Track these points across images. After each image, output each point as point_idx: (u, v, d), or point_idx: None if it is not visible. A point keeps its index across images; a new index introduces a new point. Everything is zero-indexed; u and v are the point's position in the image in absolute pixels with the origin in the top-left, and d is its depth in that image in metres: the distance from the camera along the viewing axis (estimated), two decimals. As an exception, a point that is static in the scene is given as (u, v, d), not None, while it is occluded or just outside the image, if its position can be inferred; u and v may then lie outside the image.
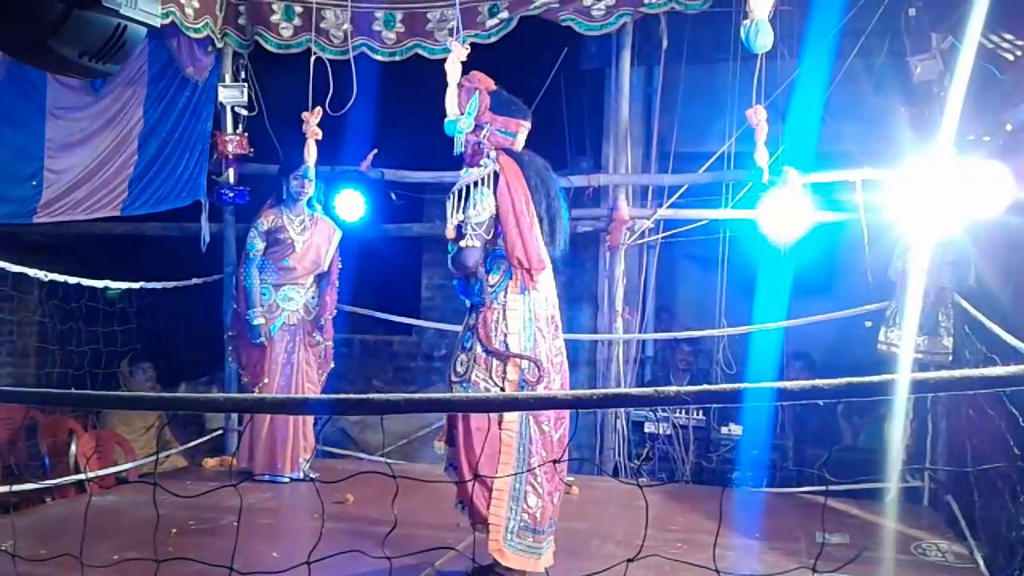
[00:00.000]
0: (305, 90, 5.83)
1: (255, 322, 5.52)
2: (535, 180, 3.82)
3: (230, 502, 2.02)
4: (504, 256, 3.71)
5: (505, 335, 3.65)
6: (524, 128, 3.90)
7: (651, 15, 5.77)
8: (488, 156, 3.80)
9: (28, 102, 5.80)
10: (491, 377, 3.63)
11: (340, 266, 5.88)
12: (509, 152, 3.81)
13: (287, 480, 5.53)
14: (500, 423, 3.61)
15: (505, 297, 3.69)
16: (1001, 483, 4.09)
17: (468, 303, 3.83)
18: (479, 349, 3.67)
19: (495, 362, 3.64)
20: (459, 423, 3.66)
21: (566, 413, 3.81)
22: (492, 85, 3.89)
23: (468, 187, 3.71)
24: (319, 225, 5.75)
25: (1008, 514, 3.94)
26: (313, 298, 5.75)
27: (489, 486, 3.56)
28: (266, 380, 5.56)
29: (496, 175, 3.71)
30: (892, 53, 5.58)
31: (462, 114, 3.85)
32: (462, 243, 3.69)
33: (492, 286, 3.71)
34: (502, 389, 3.61)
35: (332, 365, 5.91)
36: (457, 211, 3.72)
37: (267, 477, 5.51)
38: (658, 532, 4.36)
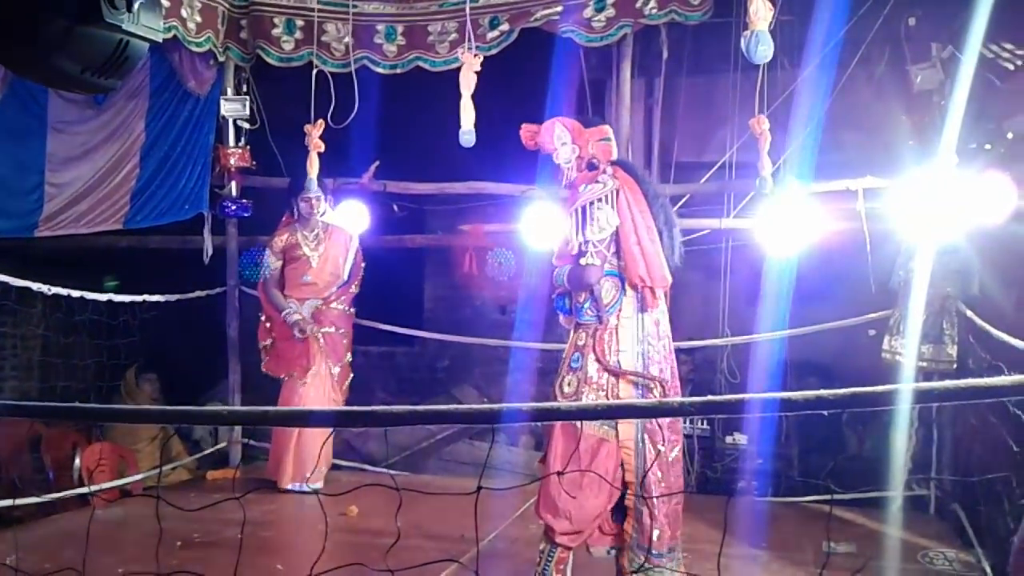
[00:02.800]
0: (307, 103, 5.85)
1: (294, 318, 5.62)
2: (652, 191, 3.78)
3: (234, 515, 2.02)
4: (618, 275, 3.65)
5: (619, 353, 3.58)
6: (611, 130, 3.91)
7: (651, 26, 5.78)
8: (604, 171, 3.74)
9: (30, 116, 5.81)
10: (607, 397, 3.55)
11: (363, 264, 5.99)
12: (623, 165, 3.81)
13: (310, 491, 5.48)
14: (618, 441, 3.55)
15: (619, 316, 3.62)
16: (1002, 488, 4.08)
17: (567, 320, 3.77)
18: (591, 369, 3.59)
19: (608, 381, 3.58)
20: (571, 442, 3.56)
21: (680, 432, 3.74)
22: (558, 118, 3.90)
23: (587, 205, 3.65)
24: (333, 236, 5.83)
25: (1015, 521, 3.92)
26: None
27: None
28: (303, 374, 5.65)
29: (617, 192, 3.66)
30: (892, 62, 5.59)
31: (554, 149, 3.81)
32: (583, 261, 3.65)
33: (607, 304, 3.64)
34: None
35: (352, 375, 5.97)
36: (580, 230, 3.66)
37: (296, 487, 5.52)
38: (663, 543, 4.34)
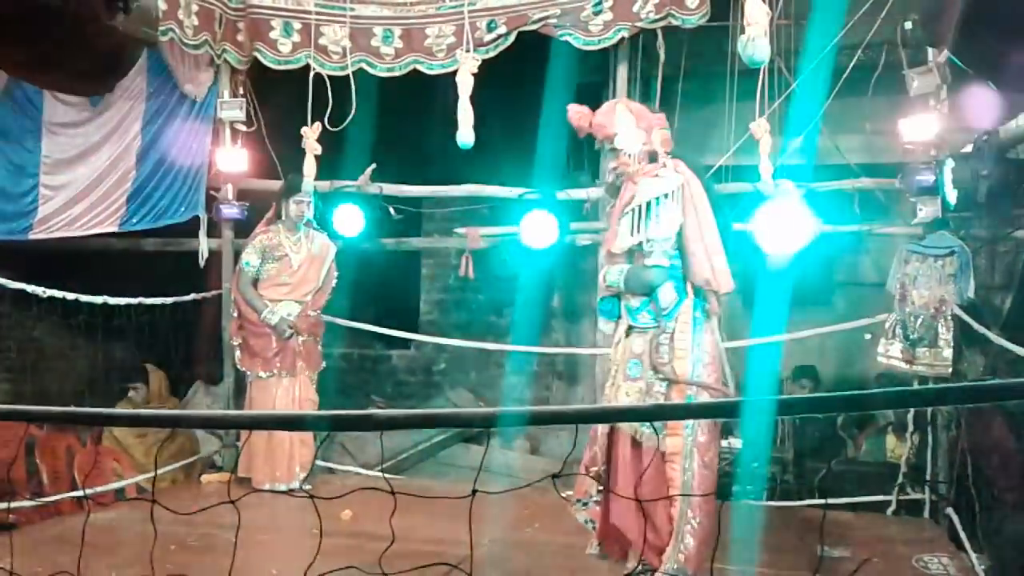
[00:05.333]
0: (304, 106, 5.85)
1: (274, 320, 5.64)
2: (713, 189, 3.59)
3: (229, 518, 2.01)
4: (680, 276, 3.47)
5: (677, 360, 3.41)
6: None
7: (648, 30, 5.79)
8: (665, 164, 3.52)
9: (25, 119, 5.80)
10: None
11: (336, 275, 5.98)
12: (683, 159, 3.57)
13: (285, 489, 5.56)
14: (664, 456, 3.40)
15: (676, 320, 3.44)
16: (997, 492, 4.09)
17: (609, 324, 3.63)
18: (650, 377, 3.44)
19: (665, 389, 3.42)
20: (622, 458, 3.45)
21: (716, 450, 3.59)
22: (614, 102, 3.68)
23: (652, 201, 3.43)
24: (315, 241, 5.86)
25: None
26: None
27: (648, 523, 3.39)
28: (275, 371, 5.69)
29: (682, 187, 3.44)
30: (889, 66, 5.60)
31: (613, 134, 3.55)
32: (649, 261, 3.44)
33: (664, 308, 3.45)
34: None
35: (323, 364, 6.01)
36: (642, 227, 3.44)
37: (267, 487, 5.54)
38: (659, 547, 4.34)
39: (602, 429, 3.55)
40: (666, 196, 3.40)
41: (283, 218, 5.80)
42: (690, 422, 3.35)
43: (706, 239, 3.43)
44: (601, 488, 3.62)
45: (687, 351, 3.40)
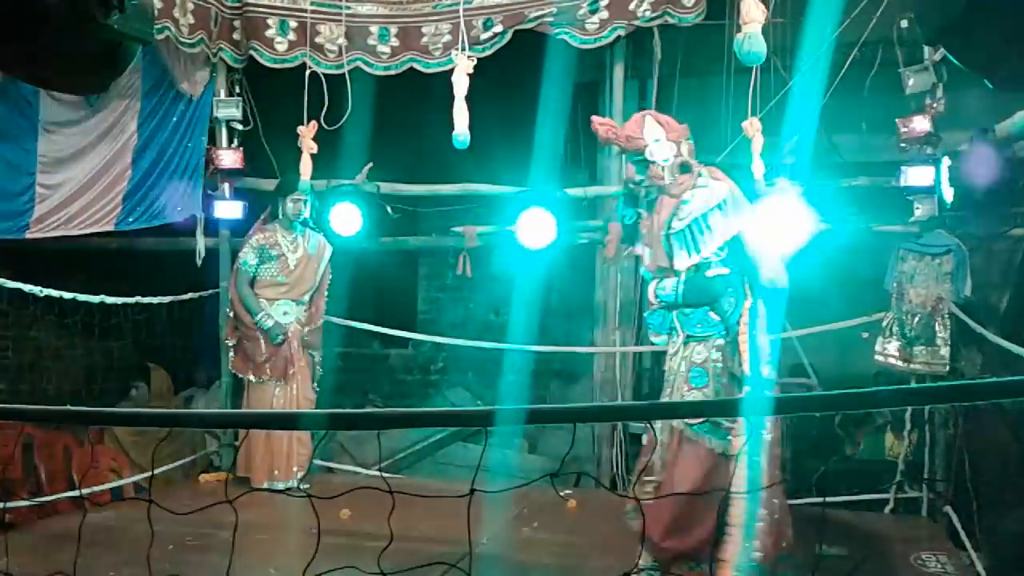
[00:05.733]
0: (300, 104, 5.83)
1: (268, 325, 5.62)
2: (749, 196, 3.59)
3: (226, 518, 2.01)
4: (739, 281, 3.45)
5: (742, 365, 3.37)
6: None
7: (644, 28, 5.79)
8: (700, 174, 3.51)
9: (21, 118, 5.79)
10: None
11: (330, 278, 5.98)
12: (713, 165, 3.58)
13: (283, 488, 5.55)
14: (729, 458, 3.37)
15: (738, 324, 3.42)
16: (996, 490, 4.09)
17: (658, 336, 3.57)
18: (715, 385, 3.39)
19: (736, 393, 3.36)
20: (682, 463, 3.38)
21: (779, 448, 3.55)
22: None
23: (700, 218, 3.39)
24: (311, 241, 5.86)
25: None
26: (307, 312, 5.87)
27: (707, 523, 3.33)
28: (264, 378, 5.66)
29: (731, 194, 3.43)
30: (885, 64, 5.61)
31: (643, 145, 3.51)
32: (711, 272, 3.42)
33: (728, 314, 3.43)
34: (732, 425, 3.32)
35: (320, 371, 6.01)
36: (695, 245, 3.41)
37: (265, 485, 5.53)
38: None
39: (660, 438, 3.50)
40: (718, 207, 3.39)
41: (279, 217, 5.80)
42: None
43: (763, 240, 3.45)
44: (654, 497, 3.51)
45: (748, 352, 3.39)
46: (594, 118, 3.65)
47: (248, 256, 5.73)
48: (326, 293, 5.99)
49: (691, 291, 3.45)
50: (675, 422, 3.41)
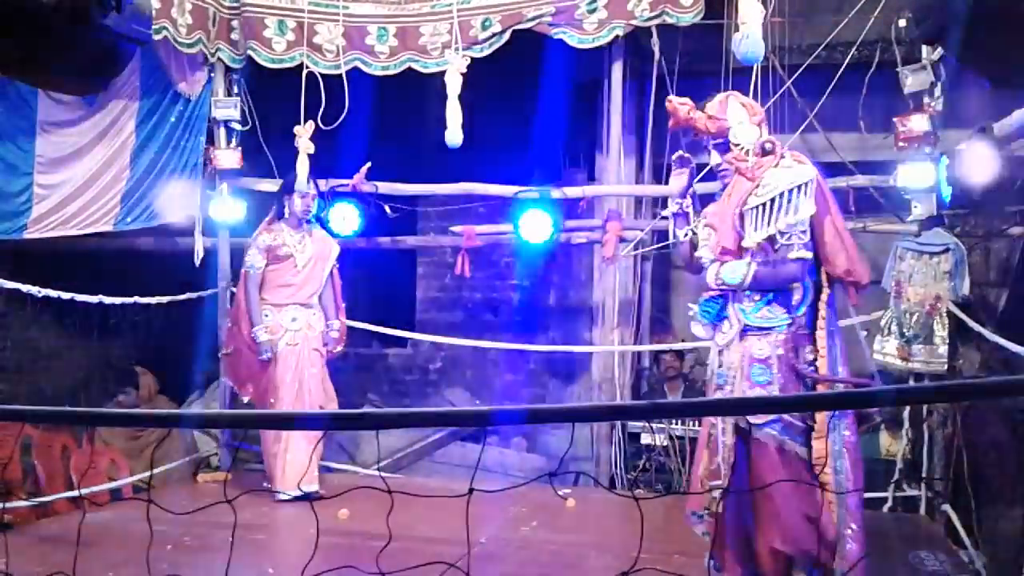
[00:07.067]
0: (298, 104, 5.83)
1: (262, 338, 5.41)
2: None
3: (225, 518, 2.01)
4: (812, 269, 3.30)
5: (814, 358, 3.23)
6: None
7: (643, 28, 5.79)
8: (783, 155, 3.36)
9: (19, 118, 5.79)
10: (805, 416, 3.16)
11: (340, 282, 5.79)
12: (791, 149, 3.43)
13: (303, 495, 5.24)
14: (811, 462, 3.19)
15: (816, 315, 3.27)
16: (994, 488, 4.10)
17: (709, 328, 3.41)
18: (779, 382, 3.20)
19: (807, 390, 3.21)
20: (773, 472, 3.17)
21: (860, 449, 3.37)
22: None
23: (788, 192, 3.24)
24: (318, 239, 5.69)
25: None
26: (316, 315, 5.62)
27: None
28: (272, 400, 5.41)
29: (816, 178, 3.28)
30: (883, 63, 5.62)
31: (728, 128, 3.38)
32: (792, 255, 3.24)
33: (794, 305, 3.28)
34: (812, 425, 3.18)
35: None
36: (768, 220, 3.24)
37: (300, 493, 5.21)
38: (654, 544, 4.32)
39: (726, 440, 3.31)
40: (801, 188, 3.24)
41: (286, 216, 5.60)
42: (835, 421, 3.16)
43: (841, 229, 3.33)
44: (718, 501, 3.37)
45: (826, 347, 3.24)
46: (672, 98, 3.45)
47: (255, 259, 5.50)
48: (344, 304, 5.78)
49: (766, 274, 3.27)
50: (739, 420, 3.24)
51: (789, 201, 3.23)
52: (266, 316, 5.49)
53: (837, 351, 3.28)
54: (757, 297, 3.30)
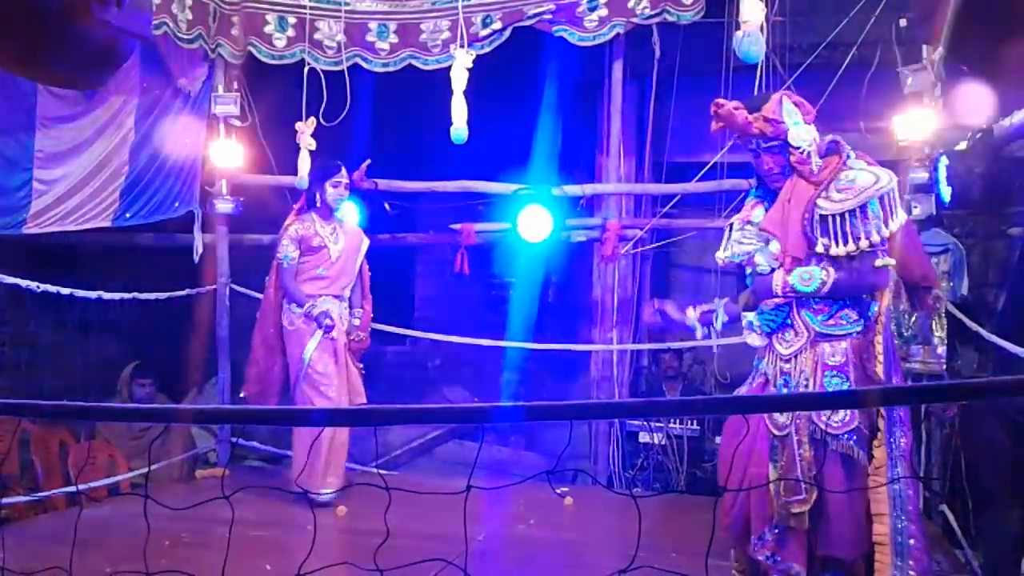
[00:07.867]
0: (299, 100, 5.82)
1: (317, 310, 5.22)
2: None
3: (223, 514, 2.01)
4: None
5: (876, 366, 3.14)
6: None
7: (644, 26, 5.79)
8: (850, 155, 3.24)
9: (18, 113, 5.77)
10: (870, 423, 3.12)
11: (370, 273, 5.72)
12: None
13: (332, 494, 5.25)
14: (870, 469, 3.13)
15: (872, 322, 3.20)
16: (992, 490, 4.10)
17: (763, 338, 3.31)
18: (858, 387, 3.08)
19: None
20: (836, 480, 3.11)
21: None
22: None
23: (884, 197, 3.13)
24: (348, 231, 5.56)
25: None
26: (347, 310, 5.53)
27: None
28: (332, 394, 5.25)
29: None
30: (883, 63, 5.61)
31: (784, 129, 3.24)
32: (879, 262, 3.14)
33: (869, 310, 3.22)
34: (876, 431, 3.12)
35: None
36: (858, 232, 3.10)
37: (332, 492, 5.20)
38: (652, 542, 4.34)
39: (803, 453, 3.15)
40: (887, 194, 3.14)
41: (317, 205, 5.40)
42: (892, 428, 3.12)
43: (914, 233, 3.29)
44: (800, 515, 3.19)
45: (883, 352, 3.18)
46: (720, 101, 3.31)
47: (289, 250, 5.31)
48: (370, 296, 5.72)
49: (847, 282, 3.15)
50: (815, 431, 3.12)
51: (876, 211, 3.12)
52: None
53: (891, 355, 3.22)
54: (827, 305, 3.21)
